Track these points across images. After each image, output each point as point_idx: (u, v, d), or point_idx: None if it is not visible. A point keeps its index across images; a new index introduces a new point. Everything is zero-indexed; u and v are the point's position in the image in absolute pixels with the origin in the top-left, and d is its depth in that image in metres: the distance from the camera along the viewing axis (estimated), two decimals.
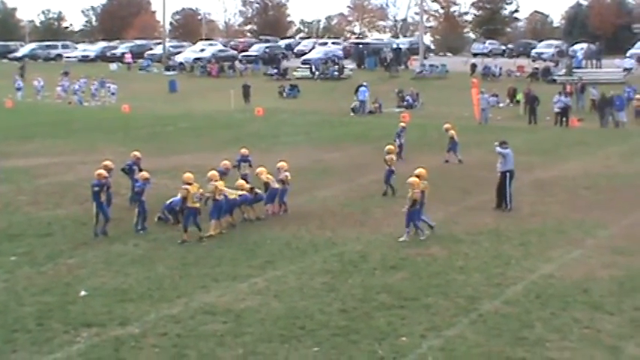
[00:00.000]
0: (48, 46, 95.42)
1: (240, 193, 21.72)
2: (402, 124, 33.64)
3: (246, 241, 19.81)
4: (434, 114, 48.50)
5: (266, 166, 24.13)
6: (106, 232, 20.28)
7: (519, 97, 52.91)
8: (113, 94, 61.61)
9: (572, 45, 75.78)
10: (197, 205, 19.94)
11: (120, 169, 23.60)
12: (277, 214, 22.59)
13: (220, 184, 20.70)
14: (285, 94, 62.30)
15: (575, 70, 61.49)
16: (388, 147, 25.85)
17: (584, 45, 70.50)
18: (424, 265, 17.74)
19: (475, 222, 21.76)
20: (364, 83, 54.42)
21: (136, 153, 24.34)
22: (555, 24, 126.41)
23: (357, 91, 53.85)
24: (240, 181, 22.52)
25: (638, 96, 47.21)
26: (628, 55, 69.26)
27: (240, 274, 17.09)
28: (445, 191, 25.99)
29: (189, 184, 20.17)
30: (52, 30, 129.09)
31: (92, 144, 37.77)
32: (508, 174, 23.22)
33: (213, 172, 21.13)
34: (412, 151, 32.79)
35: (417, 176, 20.34)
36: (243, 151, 25.52)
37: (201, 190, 20.39)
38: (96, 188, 20.31)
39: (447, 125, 31.80)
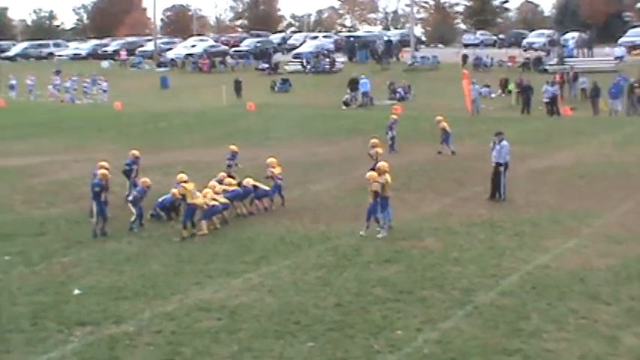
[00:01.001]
0: (40, 45, 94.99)
1: (230, 189, 21.68)
2: (394, 116, 33.56)
3: (240, 237, 19.71)
4: (426, 106, 48.43)
5: (258, 160, 24.07)
6: (106, 232, 20.12)
7: (511, 87, 52.87)
8: (105, 91, 61.41)
9: (564, 34, 75.61)
10: (197, 201, 19.86)
11: (122, 171, 23.43)
12: (268, 209, 22.55)
13: (190, 185, 20.45)
14: (276, 89, 62.12)
15: (566, 60, 61.38)
16: (372, 140, 25.76)
17: (576, 34, 70.37)
18: (419, 257, 17.65)
19: (469, 213, 21.69)
20: (363, 75, 54.28)
21: (135, 152, 24.13)
22: (546, 13, 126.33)
23: (350, 84, 53.72)
24: (228, 179, 22.43)
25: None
26: (619, 43, 69.15)
27: (234, 270, 17.00)
28: (439, 183, 25.95)
29: (185, 181, 20.18)
30: (43, 29, 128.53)
31: (85, 142, 37.64)
32: (504, 165, 23.15)
33: (182, 175, 21.04)
34: (404, 144, 32.71)
35: (374, 170, 20.25)
36: (233, 147, 25.45)
37: (174, 191, 20.50)
38: (97, 188, 20.17)
39: (438, 118, 31.70)
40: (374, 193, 19.38)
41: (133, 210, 20.76)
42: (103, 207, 20.15)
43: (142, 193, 20.97)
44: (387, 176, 19.98)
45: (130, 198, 21.16)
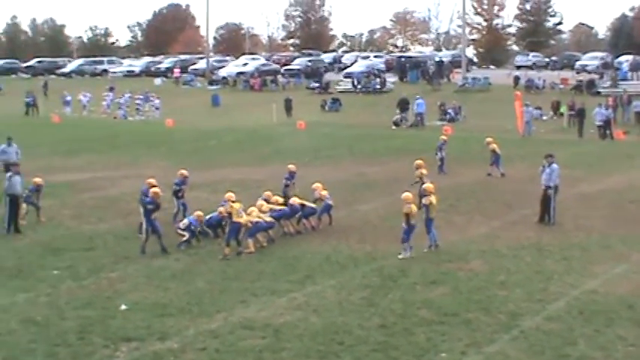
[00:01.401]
0: (94, 62, 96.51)
1: (277, 208, 21.79)
2: (444, 137, 33.44)
3: (286, 256, 19.76)
4: (476, 127, 48.12)
5: (307, 179, 24.17)
6: (165, 248, 20.21)
7: (563, 109, 52.37)
8: (157, 108, 62.07)
9: (618, 57, 74.91)
10: (242, 220, 19.97)
11: (172, 193, 23.61)
12: (315, 228, 22.58)
13: (237, 205, 20.50)
14: (327, 108, 62.28)
15: (620, 82, 60.71)
16: (417, 162, 25.70)
17: (630, 57, 69.65)
18: (465, 280, 17.54)
19: (517, 236, 21.52)
20: (418, 95, 54.23)
21: (184, 172, 24.24)
22: (600, 36, 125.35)
23: (400, 104, 53.63)
24: (275, 198, 22.52)
25: None
26: None
27: (279, 288, 17.04)
28: (487, 205, 25.79)
29: (233, 201, 20.33)
30: (98, 46, 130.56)
31: (136, 158, 38.07)
32: (554, 188, 22.94)
33: (230, 194, 21.11)
34: (454, 165, 32.56)
35: (426, 190, 20.58)
36: (291, 167, 25.50)
37: (221, 209, 20.59)
38: (150, 206, 20.34)
39: (488, 139, 31.49)
40: (405, 215, 19.35)
41: (183, 234, 21.00)
42: (155, 224, 20.26)
43: (196, 225, 21.23)
44: (433, 197, 19.98)
45: (182, 226, 21.29)
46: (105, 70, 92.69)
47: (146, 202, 20.43)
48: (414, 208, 19.52)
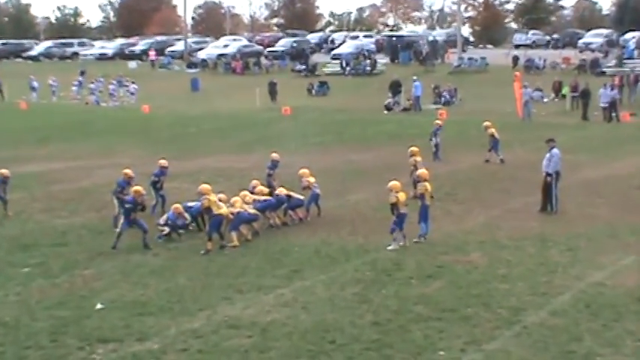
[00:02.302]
0: (64, 44, 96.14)
1: (262, 198, 21.79)
2: (439, 121, 33.46)
3: (272, 249, 19.77)
4: (473, 111, 48.21)
5: (294, 168, 24.17)
6: (148, 244, 20.15)
7: (565, 91, 52.49)
8: (132, 93, 62.03)
9: (623, 34, 75.01)
10: (223, 211, 19.94)
11: (150, 184, 23.56)
12: (303, 220, 22.62)
13: (213, 197, 20.40)
14: (314, 92, 62.31)
15: (626, 61, 60.84)
16: (411, 148, 25.71)
17: (636, 34, 69.75)
18: (463, 273, 17.58)
19: (519, 226, 21.58)
20: (415, 77, 54.25)
21: (163, 162, 24.26)
22: (604, 11, 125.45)
23: (392, 87, 53.70)
24: (260, 187, 22.51)
25: None
26: None
27: (265, 284, 17.04)
28: (486, 193, 25.85)
29: (208, 194, 20.16)
30: (68, 27, 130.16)
31: (110, 147, 38.00)
32: (554, 175, 23.00)
33: (205, 186, 20.87)
34: (450, 151, 32.62)
35: (419, 176, 20.76)
36: (274, 155, 25.48)
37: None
38: (128, 205, 20.27)
39: (486, 123, 31.54)
40: (392, 205, 19.45)
41: (163, 229, 21.04)
42: (139, 222, 20.14)
43: (174, 219, 21.18)
44: (427, 184, 20.06)
45: (161, 221, 21.28)
46: (75, 53, 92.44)
47: (126, 202, 20.34)
48: (401, 196, 19.56)
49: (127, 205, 20.21)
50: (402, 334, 14.15)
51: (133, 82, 63.42)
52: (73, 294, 16.78)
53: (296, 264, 18.51)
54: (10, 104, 59.22)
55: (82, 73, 68.88)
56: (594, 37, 78.36)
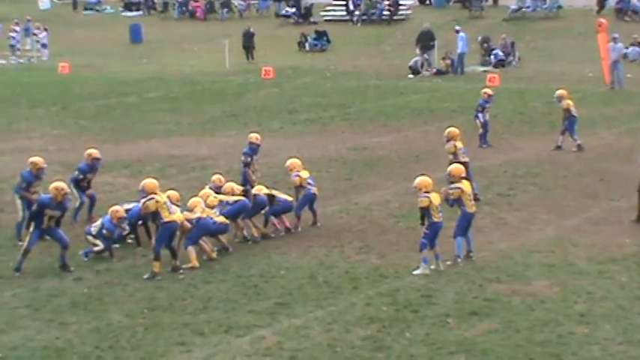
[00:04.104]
0: None
1: (232, 199, 21.74)
2: (488, 90, 33.40)
3: (247, 273, 19.75)
4: (538, 75, 48.21)
5: (279, 156, 24.15)
6: (66, 264, 20.09)
7: None
8: (44, 45, 61.86)
9: None
10: (175, 218, 19.88)
11: (71, 180, 23.49)
12: (292, 230, 22.65)
13: (162, 197, 20.36)
14: (307, 47, 62.21)
15: None
16: (449, 129, 25.66)
17: None
18: (523, 309, 17.56)
19: (603, 243, 21.54)
20: (458, 27, 54.10)
21: (93, 151, 24.13)
22: None
23: (421, 40, 53.56)
24: (229, 185, 22.44)
25: None
26: None
27: (237, 323, 17.03)
28: (557, 195, 25.82)
29: (154, 192, 20.06)
30: None
31: (11, 124, 37.92)
32: None
33: (150, 182, 20.70)
34: (504, 133, 32.60)
35: (450, 174, 20.52)
36: (253, 136, 25.34)
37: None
38: (35, 208, 20.15)
39: (559, 92, 31.49)
40: (421, 210, 19.54)
41: (96, 242, 21.02)
42: (55, 233, 20.09)
43: (111, 229, 21.17)
44: (464, 184, 20.02)
45: (93, 230, 21.24)
46: None
47: (41, 204, 20.24)
48: (434, 198, 19.53)
49: (36, 209, 20.13)
50: None
51: (45, 29, 63.15)
52: None
53: (282, 294, 18.49)
54: None
55: None
56: None
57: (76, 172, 23.72)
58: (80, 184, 23.59)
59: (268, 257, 20.83)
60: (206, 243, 20.67)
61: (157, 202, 19.82)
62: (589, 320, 17.00)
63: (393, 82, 49.18)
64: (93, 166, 23.85)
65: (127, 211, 21.54)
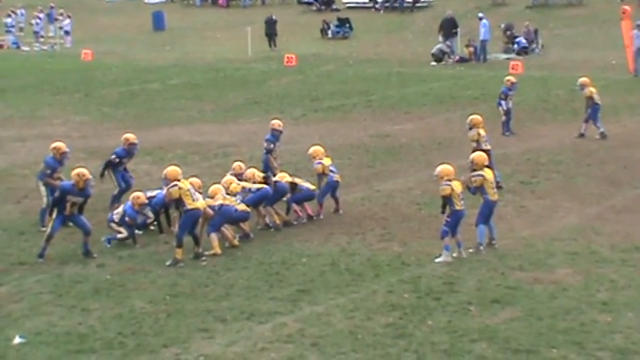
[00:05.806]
0: None
1: (255, 187, 21.70)
2: (511, 78, 33.32)
3: (270, 260, 19.75)
4: (562, 62, 48.04)
5: (302, 143, 24.11)
6: (89, 251, 20.15)
7: None
8: (67, 32, 61.89)
9: None
10: (199, 205, 19.84)
11: (105, 163, 23.49)
12: (314, 217, 22.67)
13: (185, 184, 20.29)
14: (330, 34, 62.13)
15: None
16: (471, 117, 25.59)
17: None
18: (546, 297, 17.51)
19: (627, 231, 21.47)
20: (481, 14, 53.95)
21: (130, 136, 24.01)
22: None
23: (444, 27, 53.45)
24: (250, 171, 22.40)
25: None
26: None
27: (259, 310, 17.02)
28: (579, 182, 25.75)
29: (177, 179, 20.03)
30: None
31: (34, 110, 37.97)
32: None
33: (173, 169, 20.62)
34: (526, 121, 32.52)
35: (473, 162, 20.42)
36: (275, 123, 25.29)
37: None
38: (57, 194, 20.18)
39: (581, 80, 31.39)
40: (443, 198, 19.56)
41: (120, 229, 21.04)
42: (79, 220, 20.11)
43: (133, 215, 21.19)
44: (487, 172, 19.98)
45: (115, 217, 21.23)
46: None
47: (63, 190, 20.25)
48: (456, 186, 19.52)
49: (58, 195, 20.17)
50: None
51: (68, 16, 63.19)
52: None
53: (303, 282, 18.49)
54: None
55: None
56: None
57: (113, 156, 23.58)
58: (115, 168, 23.51)
59: (290, 244, 20.84)
60: (228, 230, 20.70)
61: (180, 189, 19.80)
62: (612, 308, 16.94)
63: (416, 69, 49.15)
64: (129, 151, 23.74)
65: (150, 198, 21.55)
